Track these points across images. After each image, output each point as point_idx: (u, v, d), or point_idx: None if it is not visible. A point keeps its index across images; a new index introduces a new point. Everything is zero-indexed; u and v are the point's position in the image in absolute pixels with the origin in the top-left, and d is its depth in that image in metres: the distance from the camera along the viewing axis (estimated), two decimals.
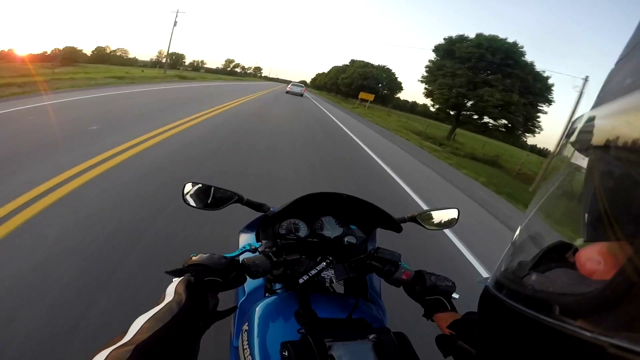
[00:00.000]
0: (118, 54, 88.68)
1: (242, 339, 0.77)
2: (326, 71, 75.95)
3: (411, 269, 0.87)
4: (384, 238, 1.16)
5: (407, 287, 0.87)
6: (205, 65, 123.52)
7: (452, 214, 1.10)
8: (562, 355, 0.23)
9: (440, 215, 1.10)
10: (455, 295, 0.83)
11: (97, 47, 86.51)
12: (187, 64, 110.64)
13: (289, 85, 32.95)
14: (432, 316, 0.80)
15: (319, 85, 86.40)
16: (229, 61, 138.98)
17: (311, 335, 0.66)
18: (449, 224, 1.10)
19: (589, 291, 0.22)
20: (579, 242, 0.29)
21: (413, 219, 1.05)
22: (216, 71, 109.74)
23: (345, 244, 0.99)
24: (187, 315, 0.53)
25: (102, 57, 79.40)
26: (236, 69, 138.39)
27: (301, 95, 30.36)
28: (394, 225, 0.98)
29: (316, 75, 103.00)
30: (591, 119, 0.27)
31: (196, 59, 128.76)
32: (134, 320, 0.49)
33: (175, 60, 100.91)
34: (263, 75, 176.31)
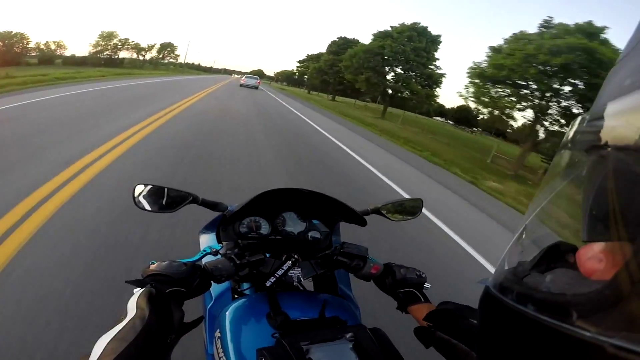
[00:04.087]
0: None
1: (216, 346, 0.74)
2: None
3: (380, 262, 0.87)
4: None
5: (378, 281, 0.87)
6: (64, 52, 55.42)
7: (415, 203, 1.11)
8: (562, 356, 0.23)
9: (404, 206, 1.12)
10: (426, 285, 0.84)
11: None
12: (30, 48, 50.28)
13: (243, 78, 32.71)
14: (406, 308, 0.82)
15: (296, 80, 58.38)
16: (107, 36, 60.07)
17: (286, 340, 0.64)
18: (413, 213, 1.11)
19: (589, 291, 0.22)
20: (579, 242, 0.29)
21: (376, 211, 1.05)
22: (78, 61, 45.89)
23: (309, 239, 0.98)
24: (153, 331, 0.50)
25: None
26: (119, 50, 62.46)
27: (256, 87, 30.05)
28: (358, 218, 0.98)
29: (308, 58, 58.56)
30: (591, 119, 0.28)
31: (48, 40, 60.07)
32: (96, 342, 0.45)
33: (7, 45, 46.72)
34: (185, 62, 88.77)
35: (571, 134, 0.31)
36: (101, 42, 61.41)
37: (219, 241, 1.02)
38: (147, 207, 0.88)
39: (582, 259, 0.26)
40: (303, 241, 0.98)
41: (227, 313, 0.77)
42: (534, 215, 0.33)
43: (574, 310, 0.23)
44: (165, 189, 0.90)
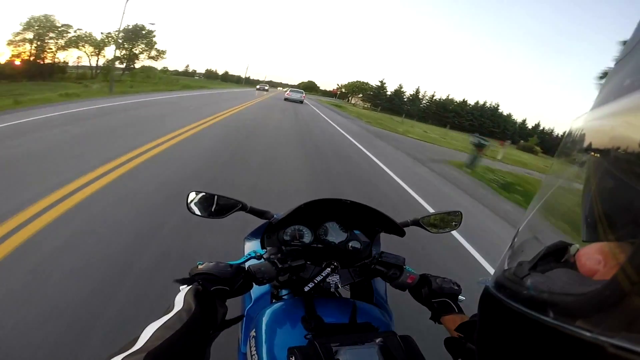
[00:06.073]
0: None
1: (249, 345, 0.78)
2: None
3: (416, 272, 0.87)
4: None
5: (413, 291, 0.87)
6: None
7: (455, 216, 1.11)
8: (562, 356, 0.23)
9: (443, 218, 1.12)
10: (461, 297, 0.82)
11: None
12: None
13: (288, 92, 31.57)
14: (439, 319, 0.80)
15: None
16: (39, 24, 26.23)
17: (318, 340, 0.66)
18: (453, 226, 1.11)
19: (589, 291, 0.22)
20: (579, 242, 0.29)
21: (416, 223, 1.06)
22: None
23: (349, 249, 1.00)
24: (197, 323, 0.54)
25: None
26: (59, 48, 28.79)
27: (301, 102, 28.53)
28: (397, 229, 0.99)
29: None
30: (591, 120, 0.28)
31: None
32: (145, 329, 0.50)
33: None
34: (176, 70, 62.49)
35: (570, 134, 0.31)
36: (26, 34, 31.50)
37: (263, 247, 1.07)
38: (198, 212, 0.95)
39: (582, 259, 0.26)
40: (343, 250, 1.00)
41: (264, 314, 0.81)
42: (534, 215, 0.32)
43: (574, 310, 0.23)
44: (216, 197, 0.95)
